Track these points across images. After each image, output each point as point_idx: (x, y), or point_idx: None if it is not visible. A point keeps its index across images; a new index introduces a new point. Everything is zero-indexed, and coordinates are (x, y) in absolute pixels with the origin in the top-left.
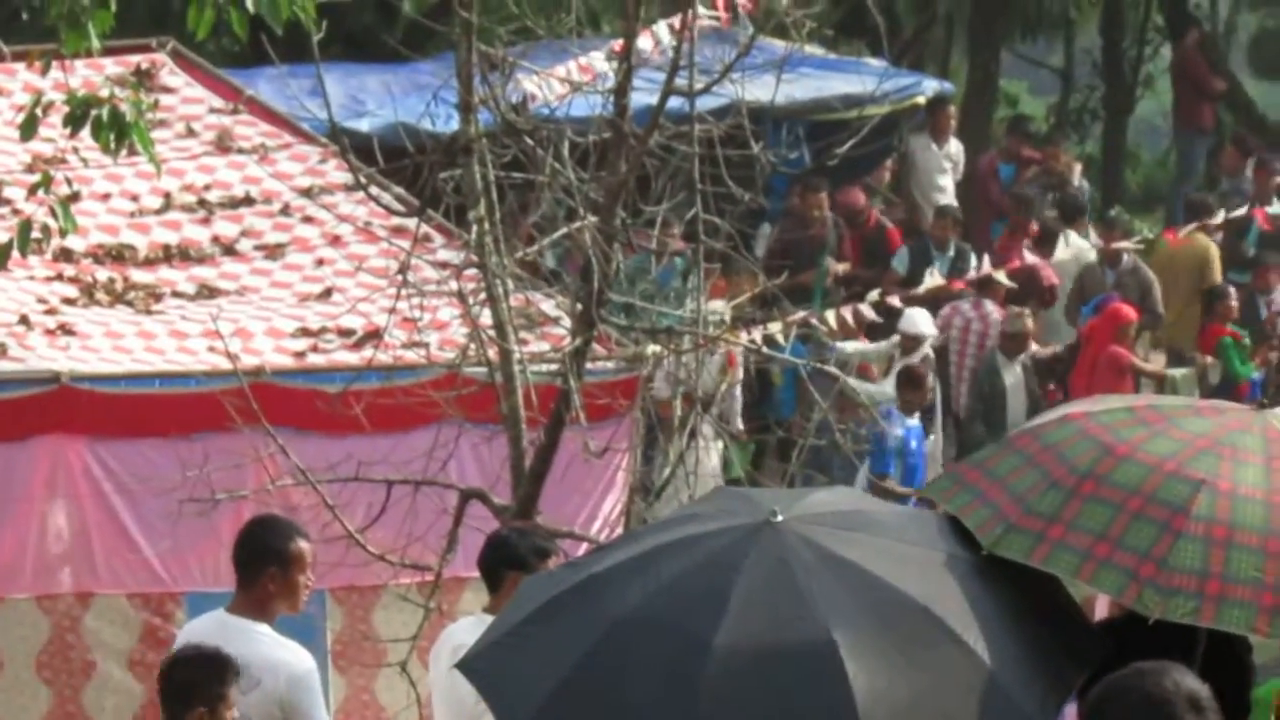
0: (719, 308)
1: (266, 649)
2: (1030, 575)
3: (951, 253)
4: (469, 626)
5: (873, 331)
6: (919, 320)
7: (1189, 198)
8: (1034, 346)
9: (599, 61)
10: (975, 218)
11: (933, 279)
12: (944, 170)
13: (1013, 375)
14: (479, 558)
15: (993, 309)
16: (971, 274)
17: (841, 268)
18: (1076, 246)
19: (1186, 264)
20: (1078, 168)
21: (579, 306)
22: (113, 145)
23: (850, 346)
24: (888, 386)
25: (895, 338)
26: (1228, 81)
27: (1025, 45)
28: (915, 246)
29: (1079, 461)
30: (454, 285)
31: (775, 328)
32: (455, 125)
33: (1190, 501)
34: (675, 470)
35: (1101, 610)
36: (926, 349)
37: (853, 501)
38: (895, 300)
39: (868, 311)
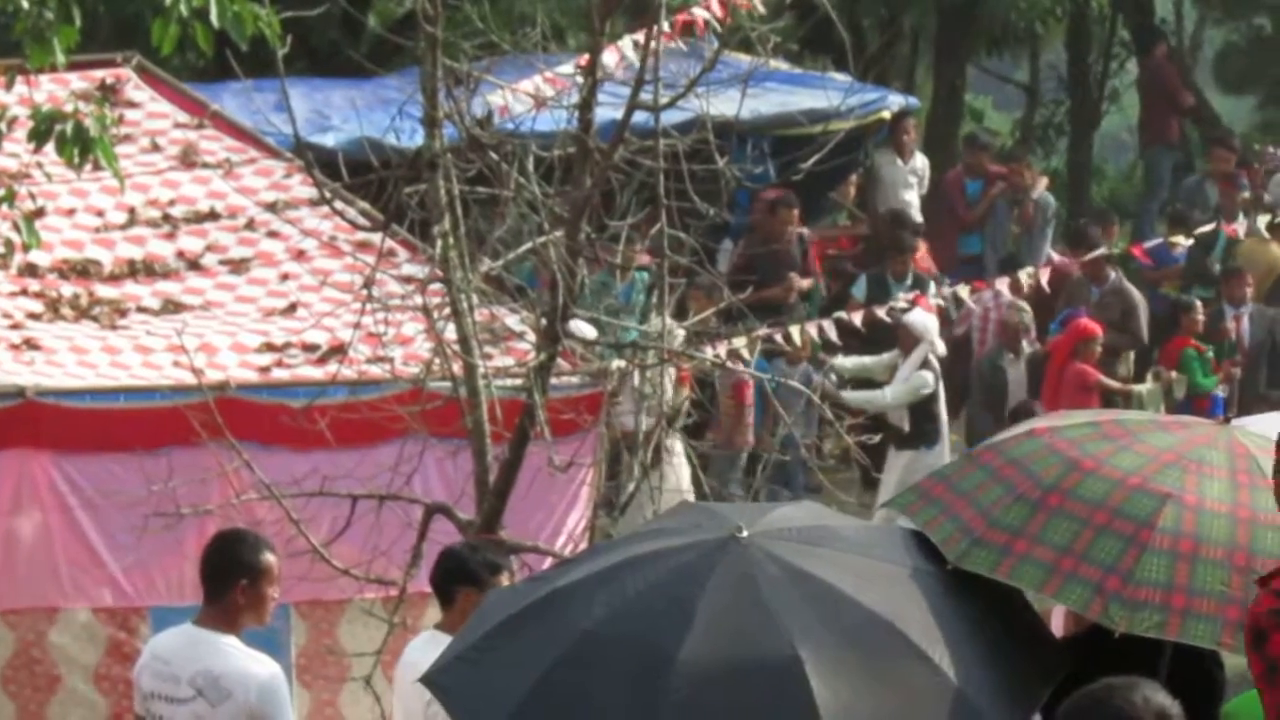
0: (677, 326)
1: (237, 661)
2: (995, 590)
3: (909, 283)
4: (421, 644)
5: (851, 348)
6: (924, 320)
7: (1173, 211)
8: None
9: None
10: (941, 233)
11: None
12: (909, 185)
13: (1016, 370)
14: (431, 573)
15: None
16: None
17: (805, 284)
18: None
19: (1260, 269)
20: (1043, 182)
21: (544, 321)
22: (77, 160)
23: (849, 361)
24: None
25: (895, 351)
26: (1195, 96)
27: (991, 60)
28: (872, 277)
29: (1045, 475)
30: (419, 300)
31: (740, 343)
32: (420, 140)
33: (1156, 515)
34: (639, 485)
35: (1058, 624)
36: (927, 353)
37: (818, 517)
38: (856, 320)
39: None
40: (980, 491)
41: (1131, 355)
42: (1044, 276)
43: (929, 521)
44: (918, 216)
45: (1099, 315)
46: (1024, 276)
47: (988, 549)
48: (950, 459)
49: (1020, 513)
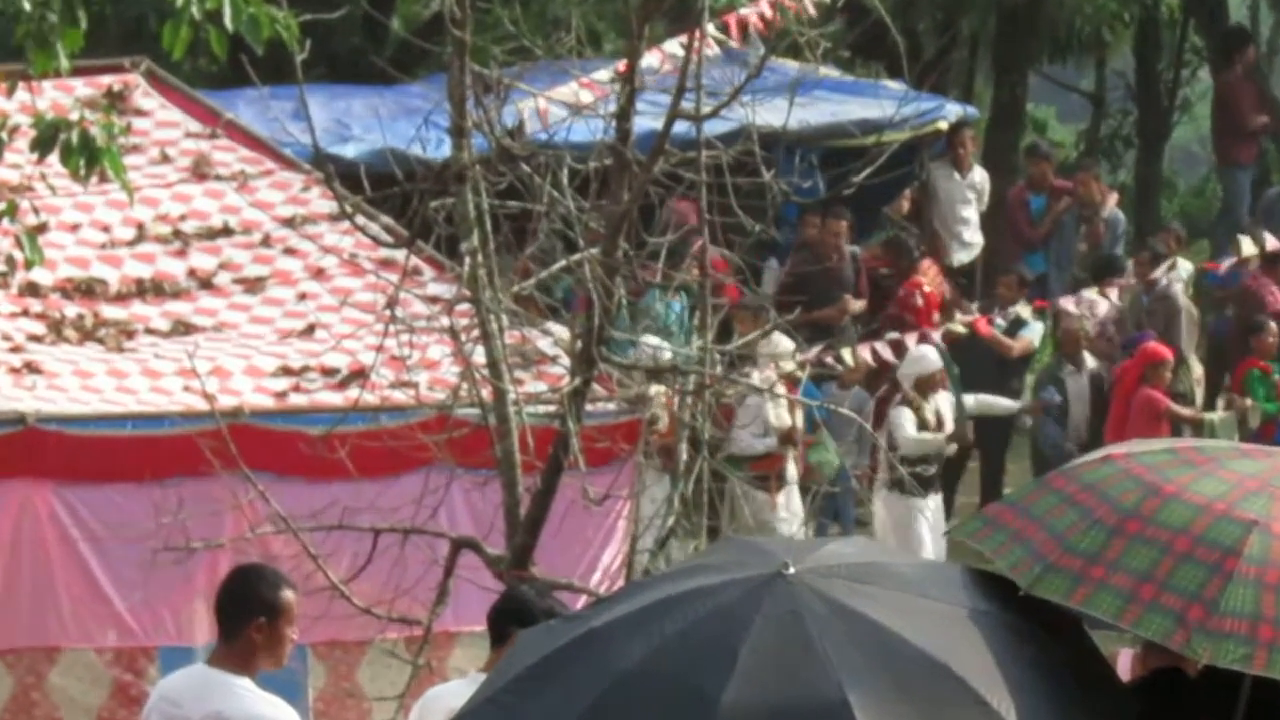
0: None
1: (250, 704)
2: (1059, 633)
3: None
4: (458, 689)
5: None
6: (929, 356)
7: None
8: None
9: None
10: (1002, 252)
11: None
12: (967, 200)
13: (1076, 383)
14: (490, 611)
15: (1104, 306)
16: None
17: (858, 305)
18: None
19: None
20: (1112, 198)
21: (578, 344)
22: (83, 171)
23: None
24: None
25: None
26: (1272, 111)
27: (1054, 68)
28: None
29: (1122, 500)
30: (445, 321)
31: (788, 366)
32: (447, 151)
33: (1242, 543)
34: (679, 519)
35: (1124, 667)
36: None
37: (869, 553)
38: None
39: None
40: (1053, 516)
41: (1195, 378)
42: (1114, 296)
43: (997, 548)
44: (976, 234)
45: (1147, 325)
46: (1092, 295)
47: (1062, 575)
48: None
49: (1097, 538)
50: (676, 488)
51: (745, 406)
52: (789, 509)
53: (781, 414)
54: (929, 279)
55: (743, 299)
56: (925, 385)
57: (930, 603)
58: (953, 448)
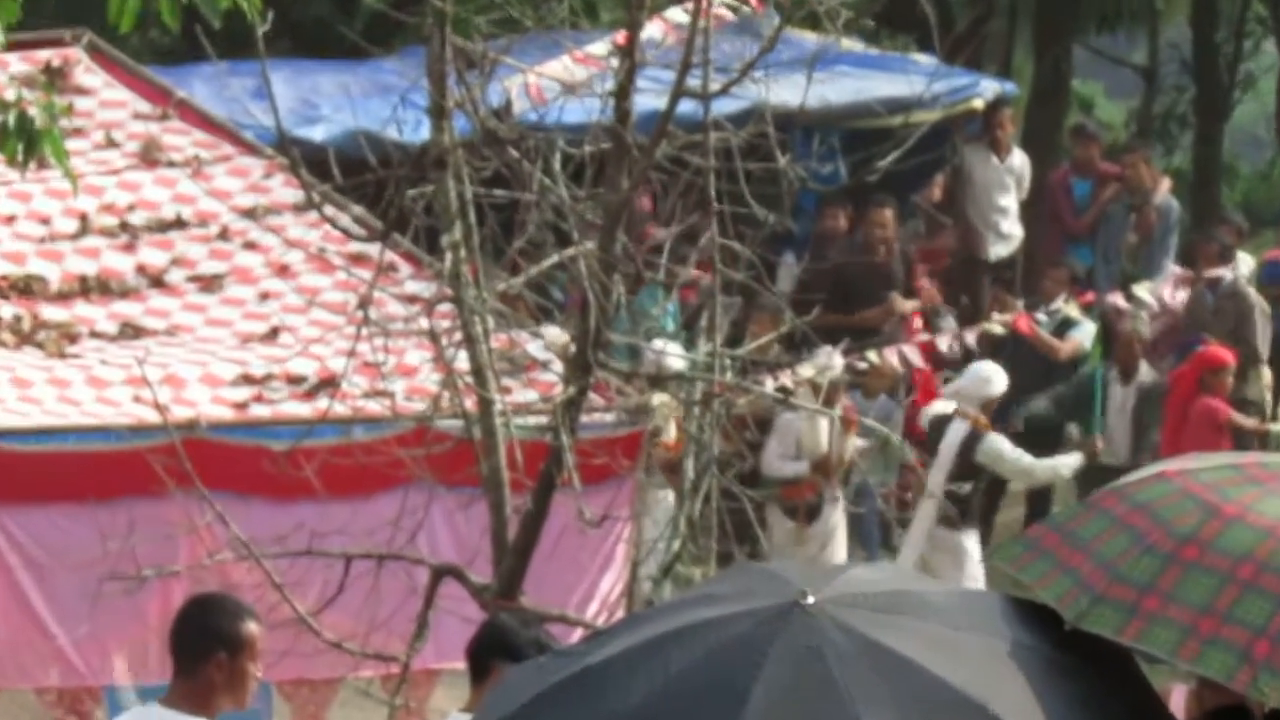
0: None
1: None
2: (1108, 669)
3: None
4: None
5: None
6: (997, 378)
7: None
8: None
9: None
10: (1044, 242)
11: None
12: (1005, 187)
13: (1120, 393)
14: (469, 644)
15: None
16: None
17: (909, 306)
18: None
19: None
20: (1165, 184)
21: (573, 348)
22: (20, 157)
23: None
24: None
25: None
26: None
27: (1102, 39)
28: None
29: (1179, 523)
30: (424, 323)
31: (806, 373)
32: (425, 134)
33: None
34: (685, 544)
35: (1178, 704)
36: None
37: (897, 580)
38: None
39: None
40: (1101, 542)
41: (1264, 384)
42: (1166, 293)
43: (1041, 577)
44: (1015, 225)
45: (1214, 325)
46: (1143, 292)
47: (1112, 607)
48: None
49: (1151, 566)
50: (683, 509)
51: (779, 424)
52: (826, 549)
53: (818, 436)
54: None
55: (759, 299)
56: (989, 410)
57: (966, 636)
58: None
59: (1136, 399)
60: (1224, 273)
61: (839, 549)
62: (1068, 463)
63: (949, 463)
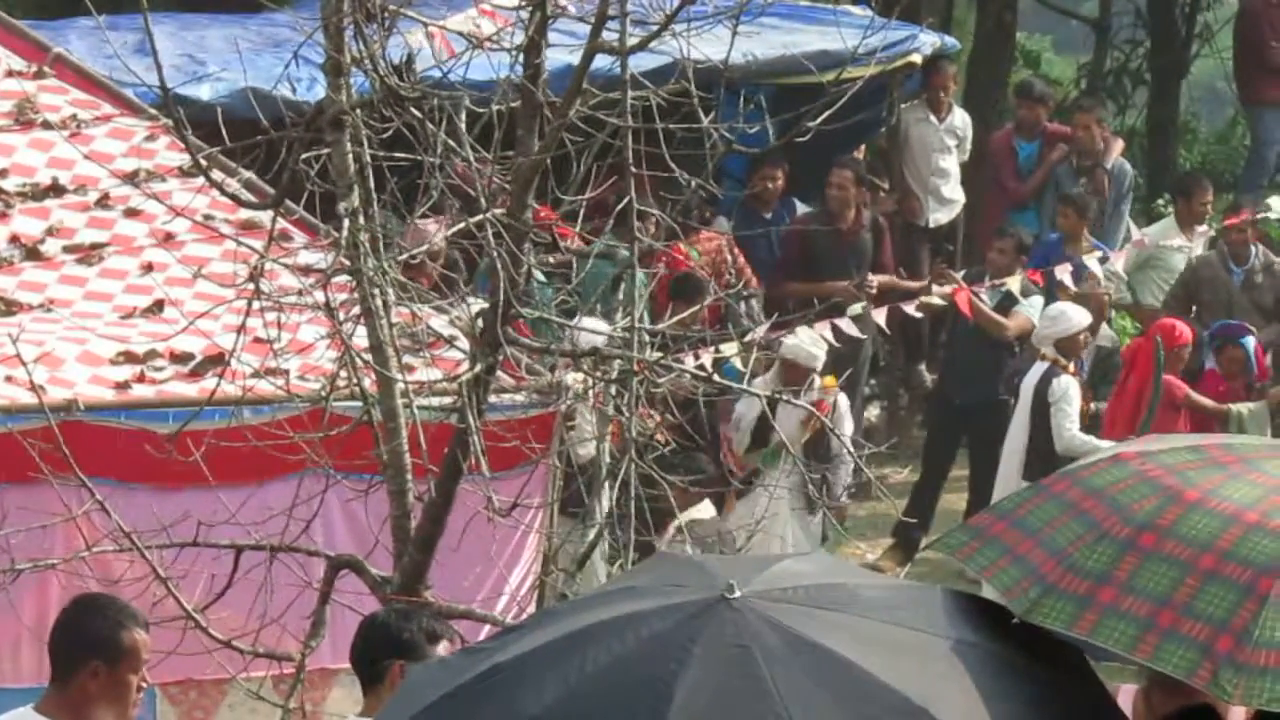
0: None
1: None
2: (1058, 667)
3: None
4: None
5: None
6: (1071, 313)
7: None
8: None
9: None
10: (986, 209)
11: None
12: (947, 149)
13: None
14: (352, 646)
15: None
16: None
17: (881, 280)
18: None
19: None
20: (1118, 145)
21: (480, 323)
22: None
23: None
24: None
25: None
26: None
27: None
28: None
29: (1136, 509)
30: (320, 296)
31: (730, 349)
32: (321, 92)
33: None
34: (600, 534)
35: (1125, 703)
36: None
37: (832, 572)
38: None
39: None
40: (1053, 529)
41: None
42: (1120, 262)
43: (987, 566)
44: (956, 190)
45: (1248, 300)
46: (1093, 264)
47: (1064, 599)
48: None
49: (1106, 554)
50: (595, 495)
51: (735, 417)
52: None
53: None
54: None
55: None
56: (1069, 348)
57: (907, 633)
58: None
59: (1091, 365)
60: (1252, 245)
61: (776, 543)
62: (1099, 444)
63: (1028, 403)
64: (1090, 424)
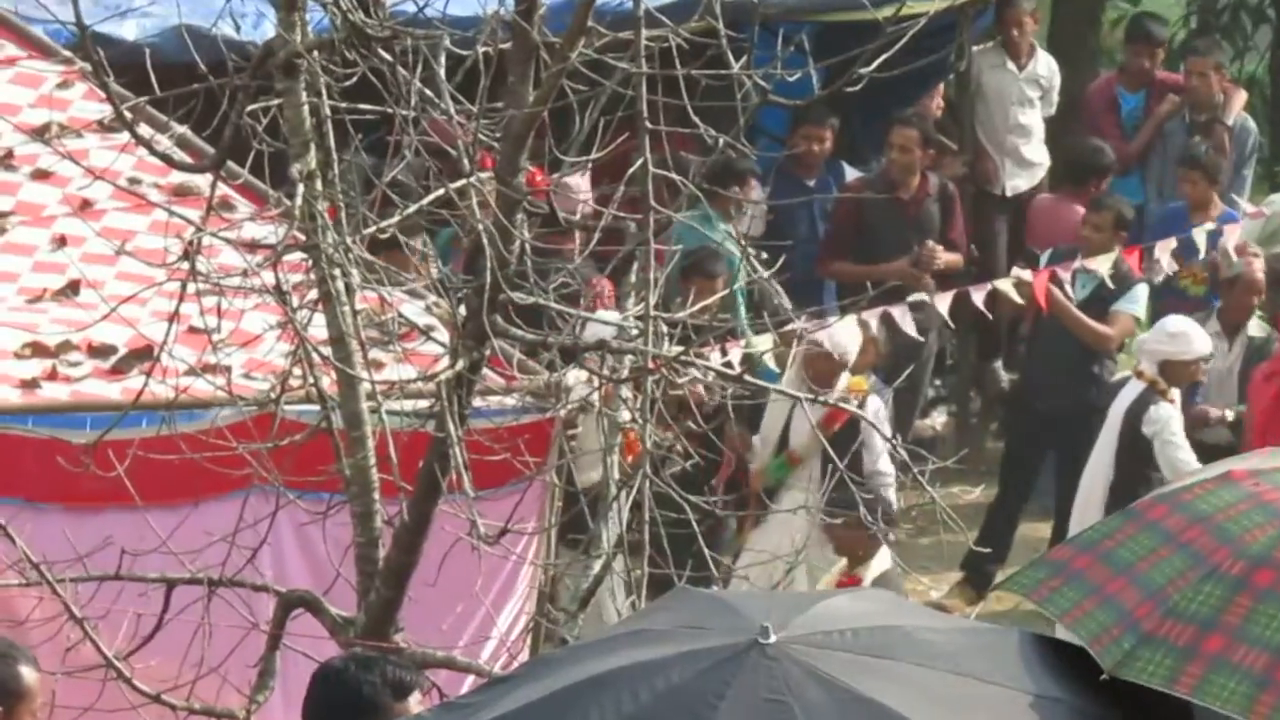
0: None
1: None
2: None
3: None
4: None
5: None
6: (1194, 336)
7: None
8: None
9: None
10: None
11: None
12: (1028, 101)
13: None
14: (305, 700)
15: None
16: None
17: (951, 258)
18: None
19: None
20: (1239, 98)
21: (463, 311)
22: None
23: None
24: None
25: None
26: None
27: None
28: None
29: (1250, 539)
30: (269, 278)
31: (762, 343)
32: (270, 31)
33: None
34: (607, 566)
35: None
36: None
37: (887, 612)
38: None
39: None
40: (1149, 564)
41: None
42: (1233, 238)
43: (1070, 609)
44: (1039, 151)
45: None
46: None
47: (1163, 650)
48: None
49: (1214, 596)
50: (602, 519)
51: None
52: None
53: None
54: None
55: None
56: (1177, 374)
57: (975, 685)
58: None
59: (1244, 360)
60: None
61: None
62: None
63: (1116, 428)
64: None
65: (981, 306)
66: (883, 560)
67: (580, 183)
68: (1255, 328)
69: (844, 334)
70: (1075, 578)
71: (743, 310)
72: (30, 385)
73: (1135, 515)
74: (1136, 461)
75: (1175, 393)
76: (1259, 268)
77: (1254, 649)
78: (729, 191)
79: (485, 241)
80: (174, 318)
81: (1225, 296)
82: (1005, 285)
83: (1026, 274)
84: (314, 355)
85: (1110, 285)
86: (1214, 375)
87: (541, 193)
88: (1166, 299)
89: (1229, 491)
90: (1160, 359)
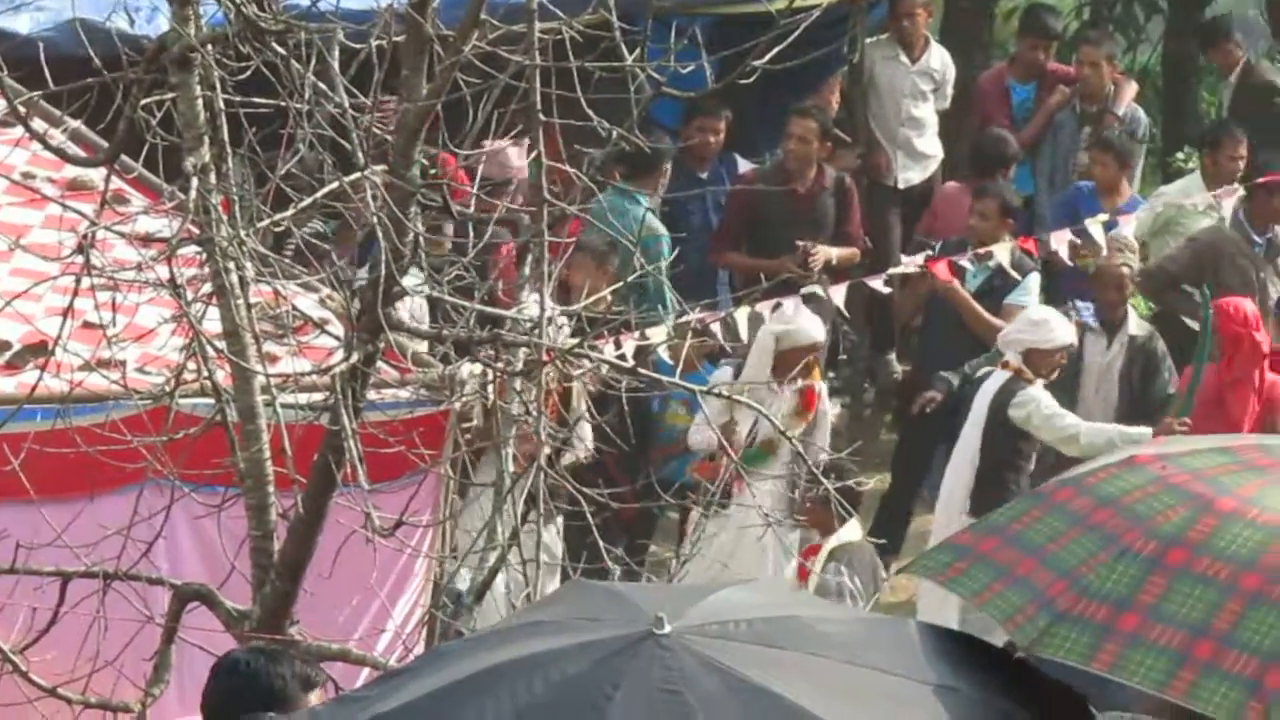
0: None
1: None
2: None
3: None
4: None
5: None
6: (1055, 324)
7: None
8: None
9: None
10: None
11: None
12: (921, 94)
13: (1097, 352)
14: (204, 694)
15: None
16: None
17: (839, 253)
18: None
19: None
20: (1130, 89)
21: (357, 304)
22: None
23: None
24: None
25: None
26: None
27: None
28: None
29: (1162, 521)
30: (163, 272)
31: (657, 335)
32: (164, 24)
33: None
34: (505, 555)
35: None
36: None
37: (781, 602)
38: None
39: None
40: (1060, 545)
41: None
42: (1129, 227)
43: (980, 591)
44: (932, 143)
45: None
46: (1096, 230)
47: (1079, 627)
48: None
49: (1127, 575)
50: (499, 508)
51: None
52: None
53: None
54: None
55: (581, 235)
56: (1040, 363)
57: (873, 675)
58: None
59: (1125, 359)
60: None
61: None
62: (1131, 434)
63: (982, 418)
64: None
65: (882, 289)
66: (851, 530)
67: (516, 153)
68: (1136, 326)
69: (811, 323)
70: (983, 560)
71: (670, 299)
72: None
73: (1041, 499)
74: (1003, 449)
75: (1040, 383)
76: (1119, 263)
77: (1169, 627)
78: (649, 176)
79: (380, 233)
80: (68, 312)
81: (1096, 290)
82: (904, 269)
83: (918, 259)
84: (209, 349)
85: (1011, 273)
86: (1092, 370)
87: (434, 185)
88: (1067, 277)
89: (1135, 475)
90: (1024, 348)
